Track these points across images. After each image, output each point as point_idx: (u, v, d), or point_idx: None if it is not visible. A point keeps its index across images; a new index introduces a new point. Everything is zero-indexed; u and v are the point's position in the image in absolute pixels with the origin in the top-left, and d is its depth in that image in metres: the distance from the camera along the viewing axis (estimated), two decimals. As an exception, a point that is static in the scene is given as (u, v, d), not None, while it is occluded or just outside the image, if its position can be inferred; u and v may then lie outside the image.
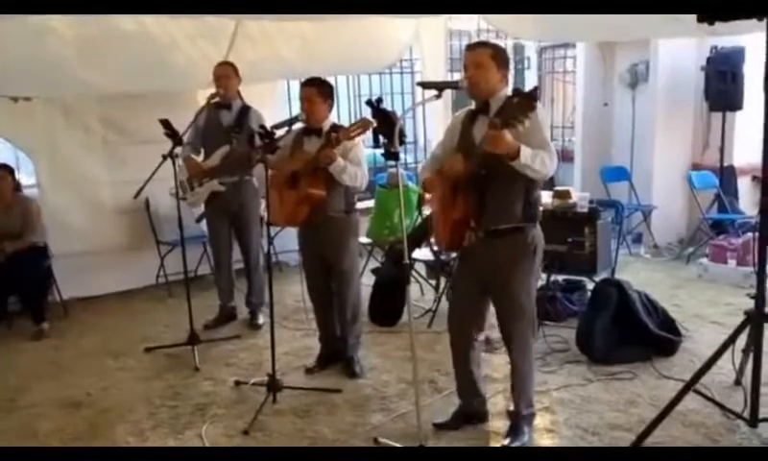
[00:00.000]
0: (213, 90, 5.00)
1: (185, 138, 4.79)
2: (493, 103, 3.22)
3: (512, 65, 3.45)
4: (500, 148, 2.97)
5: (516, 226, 3.24)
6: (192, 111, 5.08)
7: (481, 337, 3.62)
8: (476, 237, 3.31)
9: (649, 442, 3.25)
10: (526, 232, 3.27)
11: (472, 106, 3.37)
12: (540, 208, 3.38)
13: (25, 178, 6.15)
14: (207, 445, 3.61)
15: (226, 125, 5.08)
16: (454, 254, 4.52)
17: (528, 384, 3.47)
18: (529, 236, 3.28)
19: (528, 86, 8.97)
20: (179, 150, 4.66)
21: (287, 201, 4.21)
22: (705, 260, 6.33)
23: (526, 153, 3.01)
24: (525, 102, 2.92)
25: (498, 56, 3.25)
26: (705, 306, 5.44)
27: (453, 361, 3.63)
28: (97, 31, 4.84)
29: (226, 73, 5.01)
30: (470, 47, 3.34)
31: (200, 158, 5.15)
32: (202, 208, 5.43)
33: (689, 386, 3.29)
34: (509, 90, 3.28)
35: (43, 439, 3.78)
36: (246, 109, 5.13)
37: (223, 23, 5.27)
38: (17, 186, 5.64)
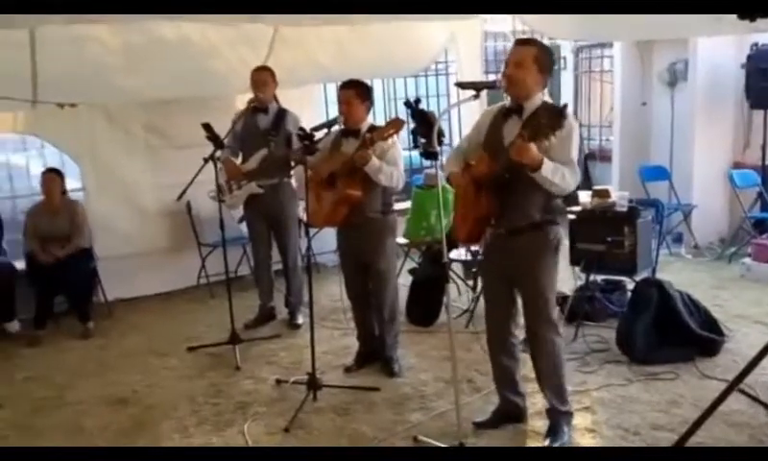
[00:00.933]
0: (251, 96, 5.08)
1: (228, 141, 4.88)
2: (528, 106, 3.23)
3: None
4: (525, 159, 3.05)
5: (537, 222, 3.28)
6: (231, 116, 5.19)
7: (519, 333, 3.62)
8: (497, 235, 3.35)
9: (692, 442, 3.20)
10: (547, 230, 3.31)
11: (506, 102, 3.38)
12: (562, 211, 3.42)
13: (71, 182, 6.31)
14: (250, 442, 3.68)
15: (263, 128, 5.16)
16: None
17: (555, 381, 3.47)
18: (551, 233, 3.32)
19: (564, 87, 8.97)
20: (219, 153, 4.75)
21: (325, 202, 4.26)
22: (747, 260, 6.22)
23: (548, 167, 3.08)
24: (555, 118, 3.01)
25: (541, 58, 3.24)
26: (748, 306, 5.34)
27: (491, 358, 3.64)
28: (139, 39, 4.94)
29: (263, 78, 5.10)
30: (517, 42, 3.36)
31: (238, 162, 5.24)
32: (241, 211, 5.52)
33: (733, 386, 3.23)
34: (545, 95, 3.29)
35: (90, 435, 3.90)
36: (282, 113, 5.21)
37: (261, 30, 5.35)
38: (64, 191, 5.80)
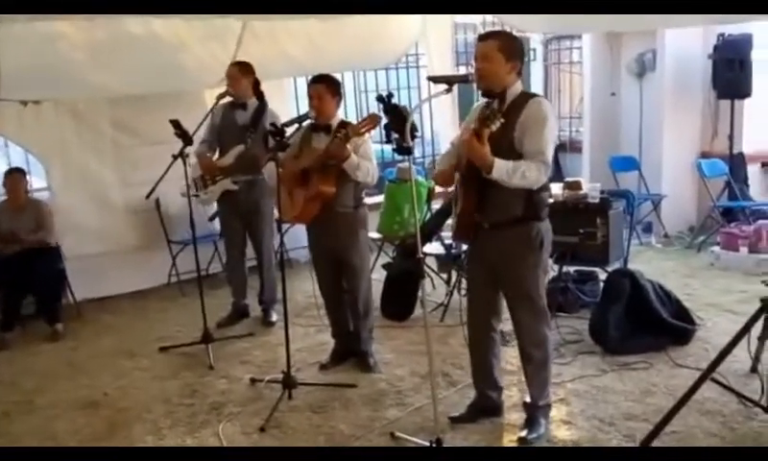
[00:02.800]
0: (221, 90, 5.02)
1: (201, 136, 4.81)
2: (509, 96, 3.22)
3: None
4: (473, 158, 3.05)
5: (518, 218, 3.24)
6: (200, 111, 5.13)
7: (499, 327, 3.62)
8: (480, 229, 3.32)
9: (667, 431, 3.24)
10: (530, 226, 3.27)
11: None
12: (547, 206, 3.36)
13: (36, 181, 6.19)
14: (225, 443, 3.63)
15: (241, 124, 5.10)
16: (465, 248, 4.52)
17: (543, 375, 3.47)
18: (534, 230, 3.28)
19: (534, 79, 9.01)
20: (189, 150, 4.68)
21: (297, 198, 4.21)
22: (716, 248, 6.31)
23: (501, 169, 3.04)
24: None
25: (506, 47, 3.22)
26: (718, 295, 5.42)
27: (471, 351, 3.64)
28: (106, 34, 4.85)
29: (232, 73, 5.04)
30: (480, 38, 3.34)
31: (215, 157, 5.17)
32: (214, 207, 5.45)
33: (707, 374, 3.28)
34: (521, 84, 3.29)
35: (62, 440, 3.81)
36: (261, 109, 5.12)
37: (230, 24, 5.28)
38: (26, 189, 5.68)
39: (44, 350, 5.22)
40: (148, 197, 4.80)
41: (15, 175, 5.56)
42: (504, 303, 3.51)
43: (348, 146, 3.97)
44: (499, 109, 3.12)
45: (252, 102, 5.15)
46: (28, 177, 5.79)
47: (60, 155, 6.03)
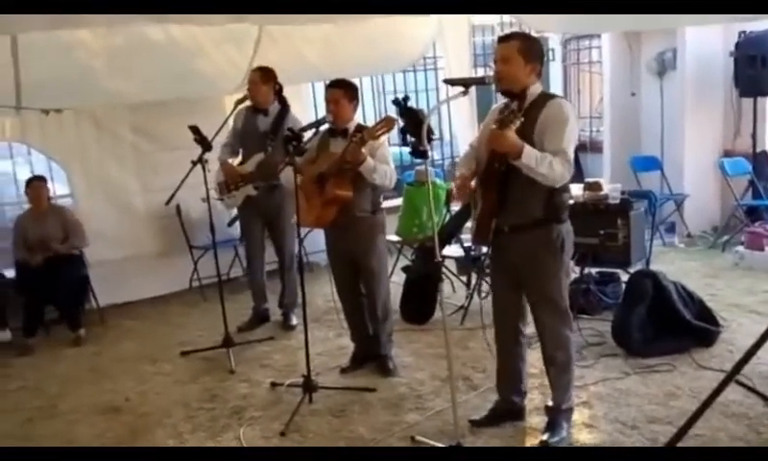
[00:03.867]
0: (240, 95, 5.04)
1: (216, 143, 4.84)
2: (529, 97, 3.20)
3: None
4: (501, 146, 3.04)
5: (539, 220, 3.21)
6: (219, 116, 5.15)
7: (526, 329, 3.58)
8: (500, 232, 3.28)
9: (691, 434, 3.18)
10: (551, 228, 3.24)
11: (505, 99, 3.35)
12: (567, 208, 3.32)
13: (59, 188, 6.27)
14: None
15: (262, 131, 5.12)
16: (484, 250, 4.50)
17: (566, 378, 3.43)
18: (554, 232, 3.24)
19: (553, 79, 8.95)
20: (208, 155, 4.70)
21: (314, 203, 4.21)
22: (740, 248, 6.22)
23: (530, 154, 3.02)
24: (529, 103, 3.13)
25: (526, 49, 3.21)
26: (742, 295, 5.34)
27: (498, 356, 3.61)
28: (124, 41, 4.90)
29: (253, 79, 5.07)
30: (500, 40, 3.33)
31: (237, 161, 5.19)
32: (233, 212, 5.47)
33: (731, 376, 3.20)
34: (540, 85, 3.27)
35: (84, 445, 3.84)
36: (282, 115, 5.12)
37: (246, 29, 5.30)
38: (49, 197, 5.75)
39: (67, 355, 5.28)
40: (168, 203, 4.84)
41: (37, 183, 5.64)
42: (528, 306, 3.48)
43: (364, 150, 3.96)
44: (519, 108, 3.11)
45: (274, 108, 5.16)
46: (50, 184, 5.87)
47: (82, 161, 6.11)
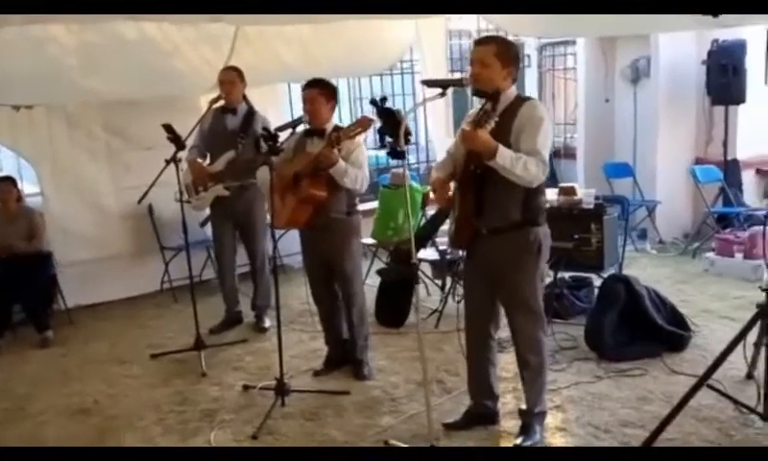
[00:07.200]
0: (215, 95, 4.98)
1: (190, 142, 4.77)
2: (504, 100, 3.19)
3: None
4: (474, 146, 3.05)
5: (516, 223, 3.22)
6: (194, 116, 5.07)
7: (497, 334, 3.58)
8: (479, 234, 3.29)
9: (663, 438, 3.22)
10: (528, 232, 3.24)
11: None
12: (544, 211, 3.34)
13: (28, 186, 6.15)
14: (217, 450, 3.59)
15: (231, 129, 5.07)
16: (460, 253, 4.49)
17: (539, 382, 3.44)
18: (531, 235, 3.25)
19: (528, 85, 9.00)
20: (181, 154, 4.64)
21: (289, 203, 4.17)
22: (711, 254, 6.30)
23: (504, 155, 3.03)
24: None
25: (503, 52, 3.22)
26: (713, 301, 5.41)
27: (468, 358, 3.60)
28: (98, 38, 4.82)
29: (229, 78, 5.01)
30: (477, 43, 3.33)
31: (206, 162, 5.14)
32: (206, 212, 5.40)
33: (703, 381, 3.26)
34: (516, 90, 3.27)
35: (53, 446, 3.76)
36: (251, 114, 5.11)
37: (223, 28, 5.25)
38: (19, 197, 5.64)
39: (35, 356, 5.16)
40: (140, 202, 4.75)
41: (6, 184, 5.52)
42: (502, 311, 3.48)
43: (338, 151, 3.93)
44: (493, 109, 3.11)
45: (242, 107, 5.13)
46: (20, 183, 5.75)
47: (52, 159, 5.98)
